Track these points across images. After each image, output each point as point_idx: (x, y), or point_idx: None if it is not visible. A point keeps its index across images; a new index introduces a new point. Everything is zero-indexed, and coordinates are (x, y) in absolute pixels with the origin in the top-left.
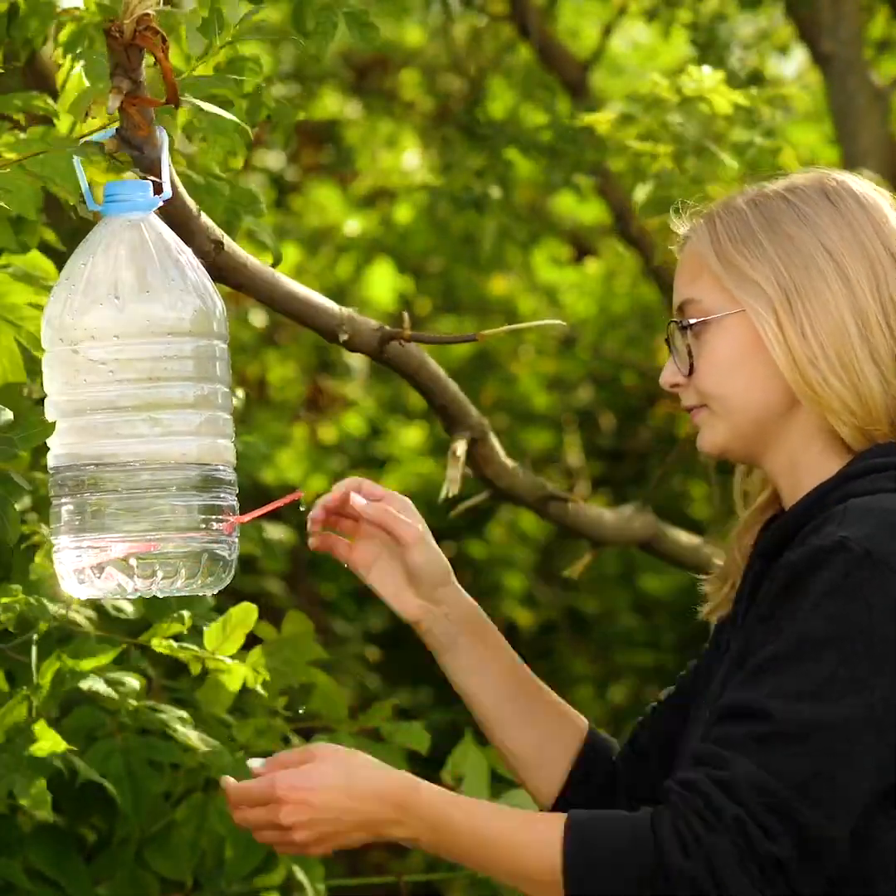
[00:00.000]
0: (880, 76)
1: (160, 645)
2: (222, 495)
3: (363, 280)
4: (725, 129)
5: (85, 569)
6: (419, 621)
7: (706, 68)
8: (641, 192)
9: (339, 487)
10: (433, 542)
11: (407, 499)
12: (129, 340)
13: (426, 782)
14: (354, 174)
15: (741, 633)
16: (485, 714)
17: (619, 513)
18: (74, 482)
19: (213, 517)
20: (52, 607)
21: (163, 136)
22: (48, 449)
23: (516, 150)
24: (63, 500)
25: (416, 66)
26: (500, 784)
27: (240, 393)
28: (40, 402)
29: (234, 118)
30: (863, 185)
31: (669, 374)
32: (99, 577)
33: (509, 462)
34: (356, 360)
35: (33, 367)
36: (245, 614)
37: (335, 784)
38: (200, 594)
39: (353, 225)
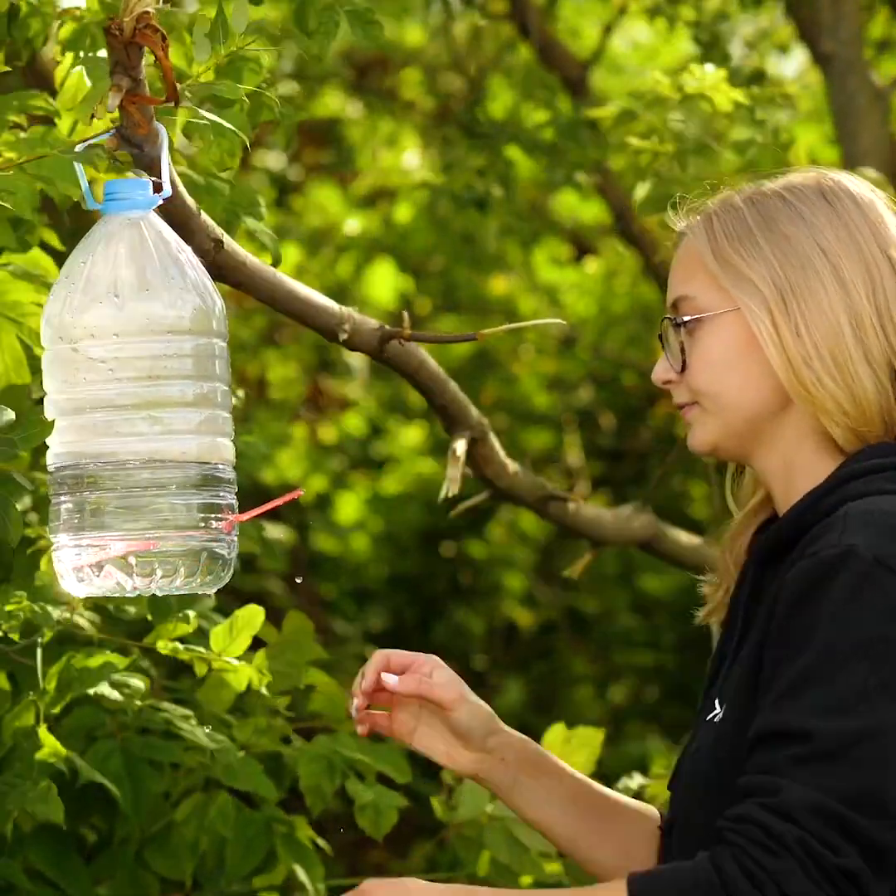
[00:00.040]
0: (880, 76)
1: (165, 648)
2: (221, 494)
3: (364, 279)
4: (727, 127)
5: (84, 567)
6: (476, 774)
7: (708, 66)
8: (641, 191)
9: (369, 669)
10: (472, 694)
11: (434, 657)
12: (128, 339)
13: (483, 887)
14: (355, 174)
15: (747, 645)
16: (563, 841)
17: (618, 513)
18: (74, 480)
19: (213, 515)
20: (57, 612)
21: (163, 135)
22: (47, 447)
23: (518, 148)
24: (62, 498)
25: (416, 65)
26: None
27: (240, 392)
28: (40, 400)
29: (231, 126)
30: (859, 185)
31: (662, 371)
32: (98, 576)
33: (509, 462)
34: (356, 360)
35: (34, 362)
36: (252, 616)
37: None
38: (200, 593)
39: (354, 224)
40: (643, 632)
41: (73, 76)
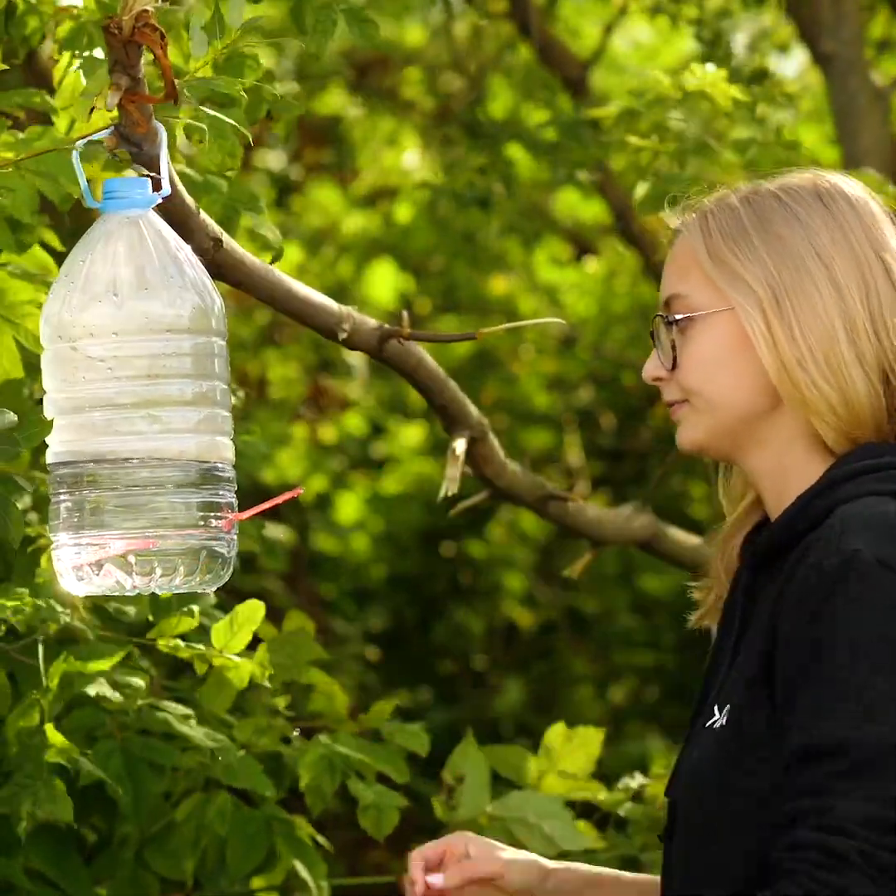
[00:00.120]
0: (881, 76)
1: (166, 645)
2: (221, 492)
3: (364, 279)
4: (727, 127)
5: (83, 566)
6: None
7: (709, 66)
8: (641, 190)
9: (416, 877)
10: (510, 850)
11: (464, 834)
12: (127, 337)
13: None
14: (355, 173)
15: (744, 648)
16: None
17: (618, 512)
18: (73, 479)
19: (212, 514)
20: (60, 609)
21: (161, 133)
22: (47, 446)
23: (519, 147)
24: (62, 497)
25: (417, 64)
26: (500, 784)
27: (240, 392)
28: (41, 401)
29: (233, 122)
30: (855, 188)
31: (652, 368)
32: (97, 575)
33: (509, 461)
34: (356, 360)
35: (32, 363)
36: (252, 611)
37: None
38: (199, 591)
39: (354, 224)
40: (643, 632)
41: (70, 75)
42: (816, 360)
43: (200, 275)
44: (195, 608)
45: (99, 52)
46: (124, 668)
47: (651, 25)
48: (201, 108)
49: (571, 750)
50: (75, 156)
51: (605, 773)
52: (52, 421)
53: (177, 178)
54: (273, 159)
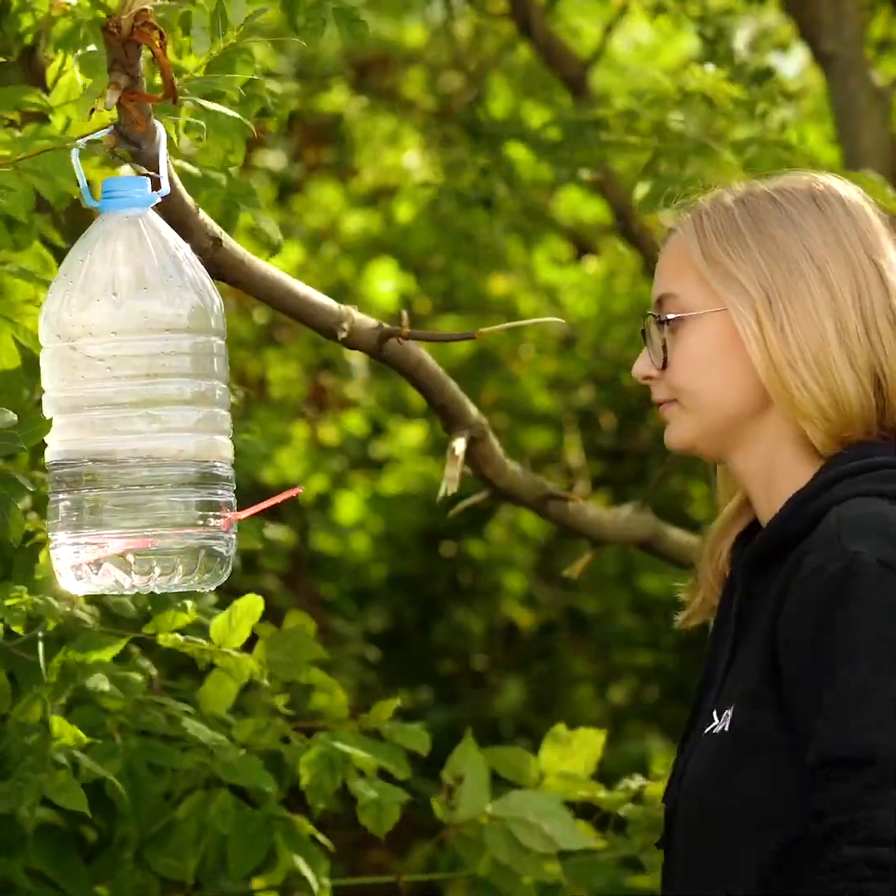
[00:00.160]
0: (881, 76)
1: (166, 640)
2: (220, 492)
3: (364, 279)
4: (727, 127)
5: (82, 565)
6: None
7: (709, 66)
8: (641, 190)
9: None
10: None
11: None
12: (126, 337)
13: None
14: (355, 172)
15: (744, 650)
16: None
17: (618, 512)
18: (72, 478)
19: (211, 513)
20: (58, 605)
21: (161, 132)
22: (46, 445)
23: (522, 147)
24: (60, 496)
25: (417, 64)
26: (500, 784)
27: (239, 391)
28: (40, 401)
29: (236, 114)
30: (850, 191)
31: (643, 367)
32: (96, 574)
33: (509, 461)
34: (356, 359)
35: (31, 362)
36: (250, 606)
37: None
38: (198, 590)
39: (355, 223)
40: (643, 632)
41: (66, 73)
42: (807, 361)
43: (199, 274)
44: (188, 603)
45: (92, 48)
46: (124, 666)
47: (651, 25)
48: (200, 104)
49: (572, 751)
50: (75, 155)
51: (605, 774)
52: (51, 420)
53: (176, 178)
54: (273, 159)
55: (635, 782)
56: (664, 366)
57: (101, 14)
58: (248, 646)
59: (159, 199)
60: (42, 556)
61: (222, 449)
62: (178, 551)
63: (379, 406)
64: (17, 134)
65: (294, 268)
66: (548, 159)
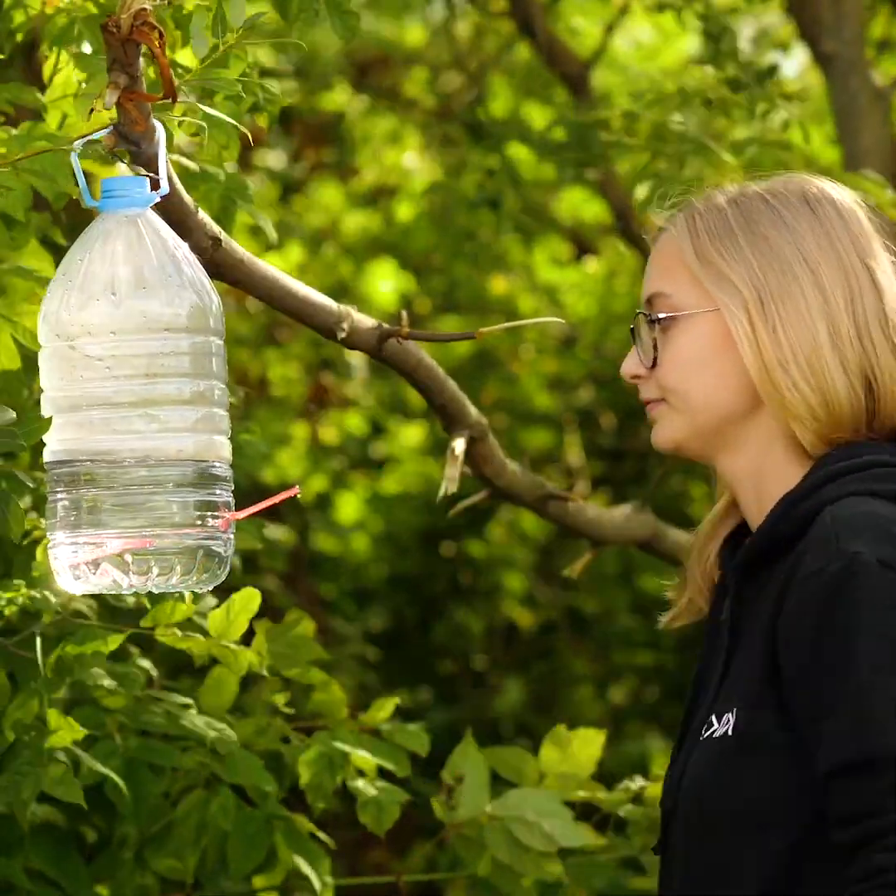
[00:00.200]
0: (881, 76)
1: (164, 635)
2: (218, 492)
3: (364, 278)
4: (727, 127)
5: (80, 565)
6: None
7: (708, 68)
8: (641, 190)
9: None
10: None
11: None
12: (125, 336)
13: None
14: (355, 171)
15: (741, 652)
16: None
17: (618, 512)
18: (70, 478)
19: (209, 513)
20: (55, 600)
21: (160, 132)
22: (45, 445)
23: (524, 148)
24: (59, 495)
25: (418, 63)
26: (500, 784)
27: (240, 391)
28: (39, 400)
29: (226, 117)
30: (843, 194)
31: (632, 365)
32: (94, 573)
33: (508, 461)
34: (356, 359)
35: (30, 362)
36: (248, 599)
37: None
38: (196, 590)
39: (355, 223)
40: (643, 632)
41: (61, 72)
42: (799, 362)
43: (198, 274)
44: (187, 594)
45: (87, 48)
46: (124, 664)
47: (652, 25)
48: (196, 103)
49: (573, 751)
50: (74, 157)
51: (605, 774)
52: (49, 419)
53: (175, 177)
54: (274, 159)
55: (635, 783)
56: (654, 365)
57: (95, 9)
58: (248, 644)
59: (158, 199)
60: (39, 553)
61: (221, 449)
62: (177, 551)
63: (379, 406)
64: (13, 132)
65: (294, 267)
66: (552, 160)
